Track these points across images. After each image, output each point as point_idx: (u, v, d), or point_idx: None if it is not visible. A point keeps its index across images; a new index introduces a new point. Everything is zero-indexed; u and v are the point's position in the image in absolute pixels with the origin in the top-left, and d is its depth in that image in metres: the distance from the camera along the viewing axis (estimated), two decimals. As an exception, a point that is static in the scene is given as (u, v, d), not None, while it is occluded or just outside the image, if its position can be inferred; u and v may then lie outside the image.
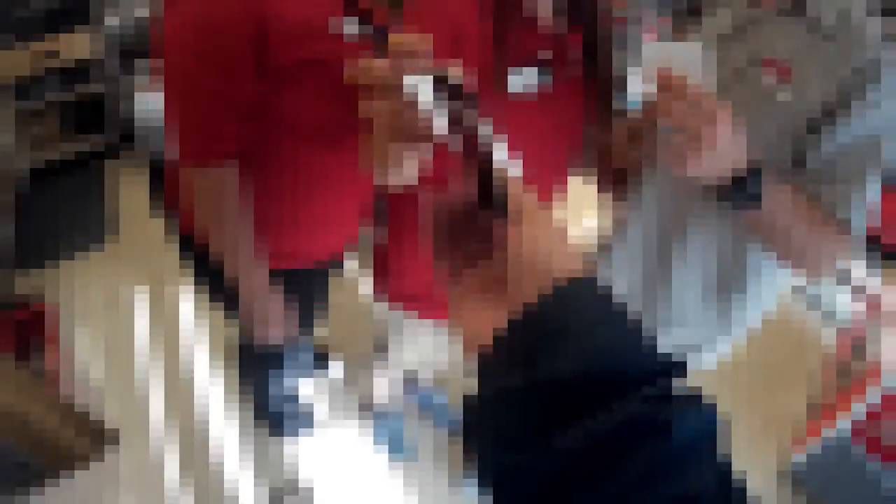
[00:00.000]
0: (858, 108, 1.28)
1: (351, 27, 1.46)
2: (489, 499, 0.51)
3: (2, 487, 1.73)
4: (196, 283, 1.81)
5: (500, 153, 0.62)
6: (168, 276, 2.57)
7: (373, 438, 2.29)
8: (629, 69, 1.66)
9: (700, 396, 0.50)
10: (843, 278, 1.69)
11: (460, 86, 0.68)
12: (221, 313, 1.84)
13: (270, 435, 2.15)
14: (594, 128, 1.47)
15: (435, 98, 0.66)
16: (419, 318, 1.60)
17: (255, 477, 2.23)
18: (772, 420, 2.56)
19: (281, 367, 1.99)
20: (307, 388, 2.01)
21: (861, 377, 2.48)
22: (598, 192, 1.54)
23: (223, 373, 2.42)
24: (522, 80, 1.36)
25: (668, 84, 1.24)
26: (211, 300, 1.82)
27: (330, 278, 1.86)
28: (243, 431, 2.30)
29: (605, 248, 1.63)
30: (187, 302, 2.59)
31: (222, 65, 1.37)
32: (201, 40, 1.37)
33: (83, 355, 2.47)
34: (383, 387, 2.05)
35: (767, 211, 1.26)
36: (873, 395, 2.43)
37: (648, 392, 0.48)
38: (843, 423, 2.47)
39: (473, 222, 0.59)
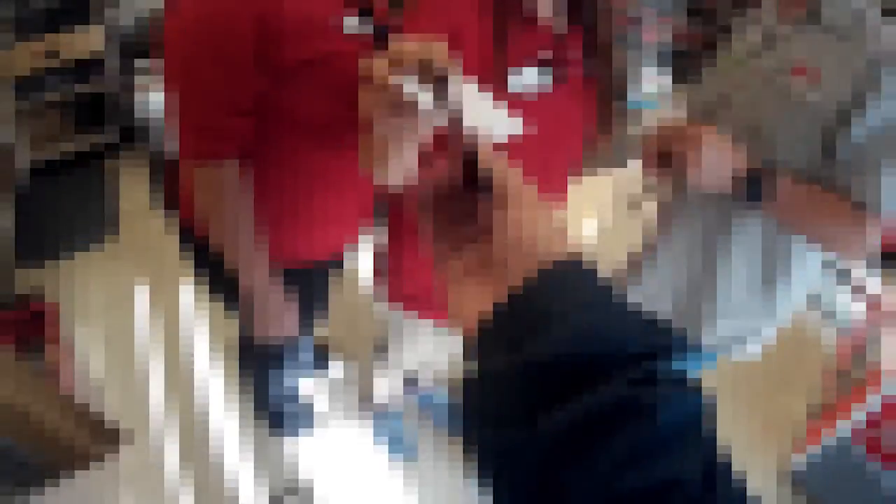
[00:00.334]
0: (874, 99, 1.37)
1: (352, 24, 1.46)
2: (485, 480, 0.51)
3: (2, 486, 1.72)
4: (197, 280, 1.81)
5: (493, 127, 0.62)
6: (169, 274, 2.57)
7: (373, 437, 2.28)
8: (640, 69, 1.68)
9: (685, 379, 0.50)
10: (844, 280, 1.71)
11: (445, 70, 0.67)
12: (222, 311, 1.84)
13: (271, 434, 2.15)
14: (597, 127, 1.48)
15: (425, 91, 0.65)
16: (419, 318, 1.60)
17: (256, 475, 2.23)
18: (773, 421, 2.56)
19: (282, 365, 1.99)
20: (308, 387, 2.00)
21: (862, 382, 2.48)
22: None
23: (224, 371, 2.42)
24: (522, 80, 1.35)
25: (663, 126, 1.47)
26: (212, 297, 1.82)
27: (331, 277, 1.85)
28: (244, 430, 2.30)
29: (650, 246, 1.70)
30: (188, 299, 2.59)
31: (224, 62, 1.36)
32: (203, 38, 1.36)
33: (84, 353, 2.47)
34: (384, 386, 2.05)
35: (773, 205, 1.40)
36: (874, 401, 2.42)
37: (634, 374, 0.47)
38: (844, 427, 2.47)
39: (460, 204, 0.59)
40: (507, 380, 0.51)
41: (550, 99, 1.39)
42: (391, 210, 1.51)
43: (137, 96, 2.83)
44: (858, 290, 2.15)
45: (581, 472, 0.46)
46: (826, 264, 1.60)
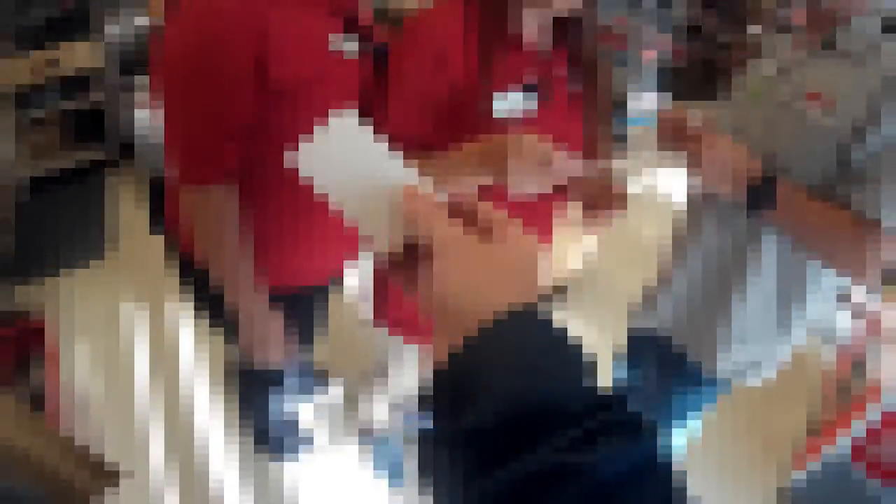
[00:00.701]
0: (890, 114, 1.39)
1: (351, 45, 1.46)
2: None
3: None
4: (195, 305, 1.80)
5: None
6: (167, 296, 2.56)
7: (372, 464, 2.26)
8: (638, 88, 1.69)
9: (639, 435, 0.50)
10: (844, 296, 1.72)
11: None
12: (221, 336, 1.83)
13: (270, 459, 2.14)
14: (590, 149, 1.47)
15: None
16: (417, 343, 1.59)
17: (255, 502, 2.21)
18: (772, 438, 2.56)
19: (280, 390, 1.98)
20: (307, 412, 1.99)
21: (861, 395, 2.47)
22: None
23: (222, 396, 2.40)
24: (508, 104, 1.35)
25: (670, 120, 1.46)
26: (210, 322, 1.81)
27: (330, 300, 1.84)
28: (243, 455, 2.28)
29: (665, 272, 1.71)
30: (187, 323, 2.58)
31: (222, 84, 1.36)
32: (201, 59, 1.36)
33: (82, 376, 2.45)
34: (383, 412, 2.03)
35: (782, 213, 1.41)
36: (874, 413, 2.42)
37: (575, 434, 0.47)
38: (844, 441, 2.46)
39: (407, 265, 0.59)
40: (445, 444, 0.51)
41: (536, 121, 1.39)
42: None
43: (137, 111, 2.83)
44: (859, 309, 2.14)
45: None
46: (840, 287, 1.60)
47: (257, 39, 1.34)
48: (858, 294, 1.77)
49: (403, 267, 0.59)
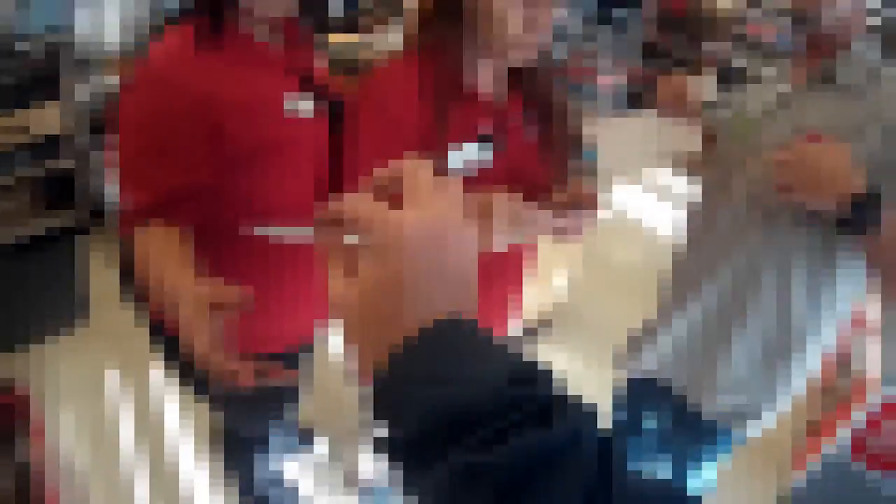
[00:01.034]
0: None
1: (306, 104, 1.46)
2: None
3: None
4: (170, 371, 1.78)
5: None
6: (142, 363, 2.54)
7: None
8: (593, 123, 1.69)
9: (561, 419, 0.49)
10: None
11: None
12: (204, 402, 1.81)
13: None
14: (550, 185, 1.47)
15: None
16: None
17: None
18: (770, 444, 2.56)
19: (265, 449, 1.96)
20: (292, 469, 1.96)
21: (858, 388, 2.47)
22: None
23: (208, 459, 2.37)
24: (463, 155, 1.35)
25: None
26: (186, 387, 1.79)
27: (315, 357, 1.83)
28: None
29: (665, 308, 1.65)
30: (170, 389, 2.55)
31: (177, 152, 1.34)
32: (156, 128, 1.34)
33: (68, 445, 2.42)
34: (368, 461, 2.01)
35: (887, 238, 1.27)
36: (871, 405, 2.42)
37: (486, 432, 0.47)
38: (843, 438, 2.47)
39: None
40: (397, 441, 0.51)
41: (492, 171, 1.39)
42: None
43: (102, 174, 2.81)
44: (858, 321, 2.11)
45: None
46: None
47: (212, 105, 1.33)
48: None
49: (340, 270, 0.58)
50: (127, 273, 1.82)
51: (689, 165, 1.69)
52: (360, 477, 2.16)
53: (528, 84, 1.45)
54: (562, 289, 2.72)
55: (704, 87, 1.53)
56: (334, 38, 2.84)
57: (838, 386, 2.52)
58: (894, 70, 1.39)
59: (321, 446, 2.33)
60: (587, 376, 1.71)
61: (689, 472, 1.63)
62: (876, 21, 1.38)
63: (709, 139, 1.61)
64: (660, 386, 1.61)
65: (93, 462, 2.43)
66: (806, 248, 1.40)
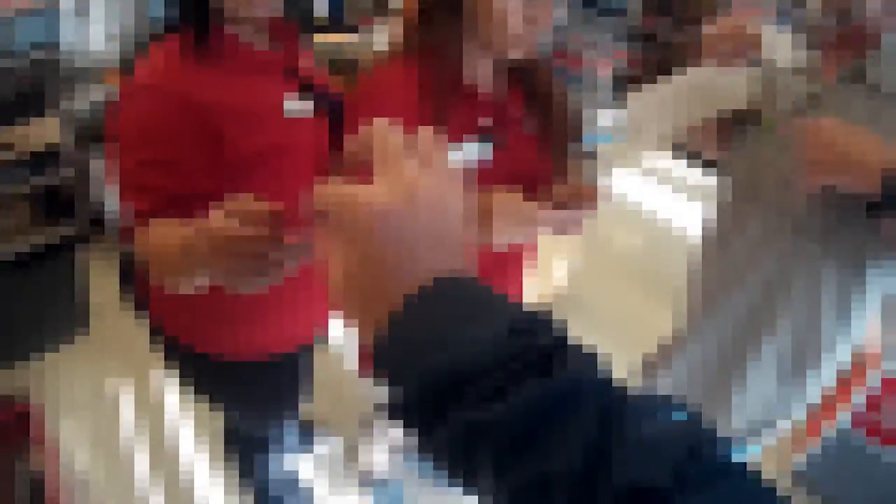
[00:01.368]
0: None
1: (306, 105, 1.45)
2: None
3: None
4: (173, 373, 1.78)
5: None
6: (146, 368, 2.53)
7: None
8: (595, 107, 1.68)
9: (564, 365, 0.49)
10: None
11: None
12: (210, 403, 1.81)
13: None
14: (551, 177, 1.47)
15: None
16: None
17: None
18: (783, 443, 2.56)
19: (279, 448, 1.96)
20: (306, 466, 1.96)
21: (860, 366, 2.46)
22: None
23: (215, 461, 2.37)
24: (464, 153, 1.35)
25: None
26: (197, 390, 1.79)
27: (316, 356, 1.83)
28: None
29: (679, 332, 1.63)
30: (169, 392, 2.54)
31: (177, 161, 1.34)
32: (154, 137, 1.34)
33: (79, 458, 2.42)
34: (383, 456, 2.01)
35: None
36: (873, 380, 2.42)
37: (487, 385, 0.47)
38: (844, 416, 2.47)
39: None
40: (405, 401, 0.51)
41: (494, 168, 1.38)
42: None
43: (100, 186, 2.81)
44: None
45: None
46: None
47: (210, 111, 1.33)
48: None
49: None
50: (126, 281, 1.82)
51: (699, 139, 1.65)
52: (374, 474, 2.16)
53: (527, 79, 1.45)
54: (562, 277, 2.71)
55: (771, 35, 1.41)
56: (329, 37, 2.83)
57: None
58: None
59: (333, 444, 2.33)
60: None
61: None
62: None
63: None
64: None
65: (103, 472, 2.43)
66: (835, 257, 1.36)
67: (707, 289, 1.57)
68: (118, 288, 2.34)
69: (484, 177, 1.36)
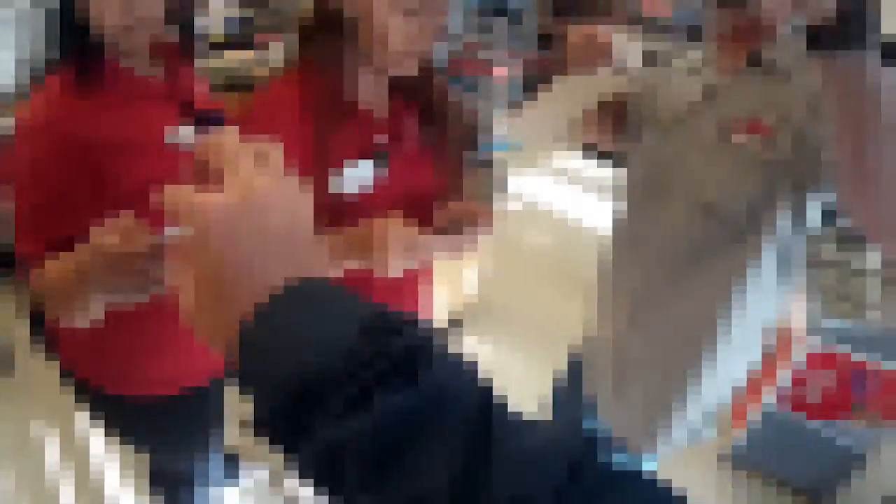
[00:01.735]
0: None
1: (187, 133, 1.42)
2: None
3: None
4: (96, 415, 1.73)
5: None
6: (70, 409, 2.44)
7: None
8: (492, 114, 1.69)
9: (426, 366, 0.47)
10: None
11: None
12: (127, 443, 1.76)
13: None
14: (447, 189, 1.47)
15: None
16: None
17: None
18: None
19: (203, 482, 1.92)
20: (232, 498, 1.92)
21: (784, 342, 2.53)
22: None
23: (146, 499, 2.30)
24: (358, 172, 1.33)
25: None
26: (111, 430, 1.74)
27: (227, 386, 1.79)
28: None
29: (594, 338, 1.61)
30: (97, 434, 2.46)
31: (62, 201, 1.29)
32: (39, 178, 1.30)
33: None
34: (304, 483, 1.97)
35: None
36: (798, 355, 2.49)
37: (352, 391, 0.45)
38: (769, 397, 2.54)
39: None
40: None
41: (388, 186, 1.38)
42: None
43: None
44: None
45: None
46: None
47: (90, 148, 1.29)
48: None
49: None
50: (37, 322, 1.76)
51: (592, 134, 1.64)
52: (300, 500, 2.13)
53: (419, 92, 1.43)
54: (472, 286, 2.72)
55: (622, 41, 1.45)
56: (224, 56, 2.79)
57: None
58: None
59: (258, 474, 2.29)
60: (514, 369, 1.70)
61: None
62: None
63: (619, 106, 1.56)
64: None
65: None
66: (743, 259, 1.36)
67: (619, 286, 1.57)
68: (27, 328, 2.26)
69: (379, 195, 1.36)
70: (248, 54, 2.93)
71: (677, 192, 1.41)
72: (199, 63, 1.53)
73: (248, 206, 0.53)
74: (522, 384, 1.87)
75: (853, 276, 2.60)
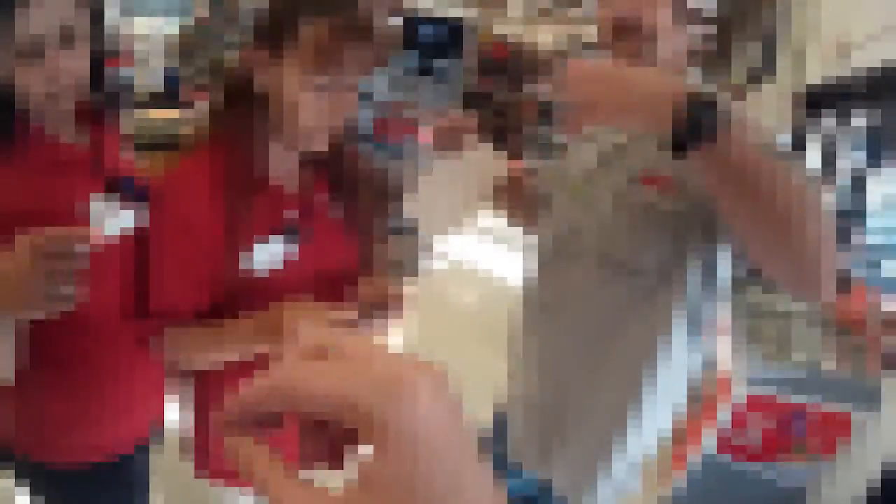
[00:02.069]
0: None
1: (112, 211, 1.40)
2: None
3: None
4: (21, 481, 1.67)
5: None
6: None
7: None
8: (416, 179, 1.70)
9: None
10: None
11: None
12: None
13: None
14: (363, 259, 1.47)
15: None
16: (241, 492, 1.53)
17: None
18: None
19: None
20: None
21: (712, 399, 2.57)
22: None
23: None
24: (268, 249, 1.32)
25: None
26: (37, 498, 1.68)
27: (153, 455, 1.76)
28: None
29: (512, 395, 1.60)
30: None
31: None
32: None
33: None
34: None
35: (728, 150, 1.04)
36: (735, 400, 2.53)
37: None
38: (709, 441, 2.57)
39: None
40: None
41: (300, 265, 1.38)
42: (198, 387, 1.48)
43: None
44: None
45: None
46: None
47: (6, 220, 1.25)
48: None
49: None
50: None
51: (502, 201, 1.65)
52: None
53: (330, 166, 1.43)
54: (407, 348, 2.70)
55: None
56: (150, 115, 2.76)
57: (693, 389, 2.62)
58: None
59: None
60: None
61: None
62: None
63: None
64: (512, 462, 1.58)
65: None
66: (666, 294, 1.37)
67: (533, 345, 1.57)
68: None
69: (290, 273, 1.35)
70: (174, 113, 2.90)
71: (588, 251, 1.43)
72: (124, 121, 1.51)
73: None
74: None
75: (779, 319, 2.66)
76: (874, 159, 2.32)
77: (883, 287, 2.40)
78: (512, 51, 3.29)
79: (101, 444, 1.59)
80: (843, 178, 2.28)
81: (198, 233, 1.27)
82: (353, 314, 1.33)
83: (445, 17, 4.09)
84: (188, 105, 2.96)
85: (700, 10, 1.30)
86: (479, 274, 3.18)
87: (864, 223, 2.33)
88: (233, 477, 1.50)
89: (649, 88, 1.07)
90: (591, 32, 1.36)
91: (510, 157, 1.68)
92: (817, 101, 2.32)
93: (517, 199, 1.56)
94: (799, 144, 1.39)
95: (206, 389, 1.45)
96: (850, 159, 2.29)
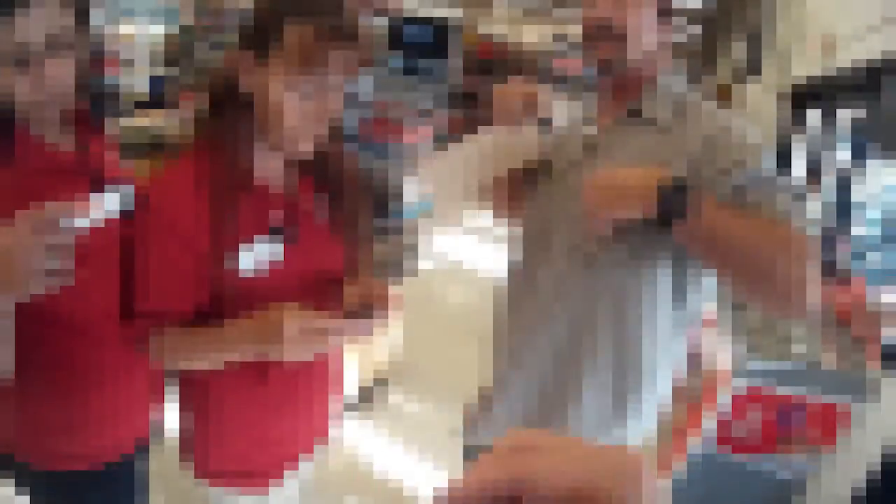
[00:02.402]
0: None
1: (97, 210, 1.39)
2: None
3: None
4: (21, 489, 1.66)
5: None
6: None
7: None
8: (404, 179, 1.69)
9: None
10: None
11: None
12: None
13: None
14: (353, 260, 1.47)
15: None
16: (240, 493, 1.52)
17: None
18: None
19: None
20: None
21: (710, 384, 2.57)
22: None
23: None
24: (254, 255, 1.32)
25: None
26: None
27: (151, 457, 1.76)
28: None
29: (499, 380, 1.61)
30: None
31: None
32: None
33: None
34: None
35: (699, 223, 1.25)
36: (724, 398, 2.54)
37: None
38: (707, 434, 2.57)
39: None
40: None
41: (286, 268, 1.38)
42: (195, 390, 1.48)
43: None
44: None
45: None
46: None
47: None
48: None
49: None
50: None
51: (500, 200, 1.67)
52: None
53: (317, 167, 1.43)
54: (397, 346, 2.72)
55: (547, 98, 1.46)
56: (136, 120, 2.75)
57: (690, 387, 2.63)
58: (698, 101, 1.41)
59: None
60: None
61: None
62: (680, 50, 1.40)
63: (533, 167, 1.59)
64: None
65: None
66: (637, 282, 1.41)
67: (513, 332, 1.59)
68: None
69: (276, 276, 1.35)
70: (160, 116, 2.89)
71: (559, 244, 1.46)
72: (111, 125, 1.51)
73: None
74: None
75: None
76: (859, 156, 2.34)
77: (868, 278, 2.42)
78: (496, 49, 3.29)
79: (99, 448, 1.59)
80: (829, 173, 2.30)
81: (184, 235, 1.27)
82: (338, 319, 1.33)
83: (430, 18, 4.11)
84: (174, 108, 2.95)
85: (685, 10, 1.34)
86: (466, 273, 3.19)
87: (849, 222, 2.35)
88: (232, 478, 1.50)
89: (637, 182, 1.29)
90: (575, 32, 1.39)
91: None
92: (803, 98, 2.34)
93: (514, 191, 1.57)
94: (784, 147, 1.43)
95: (206, 391, 1.45)
96: (835, 154, 2.31)
